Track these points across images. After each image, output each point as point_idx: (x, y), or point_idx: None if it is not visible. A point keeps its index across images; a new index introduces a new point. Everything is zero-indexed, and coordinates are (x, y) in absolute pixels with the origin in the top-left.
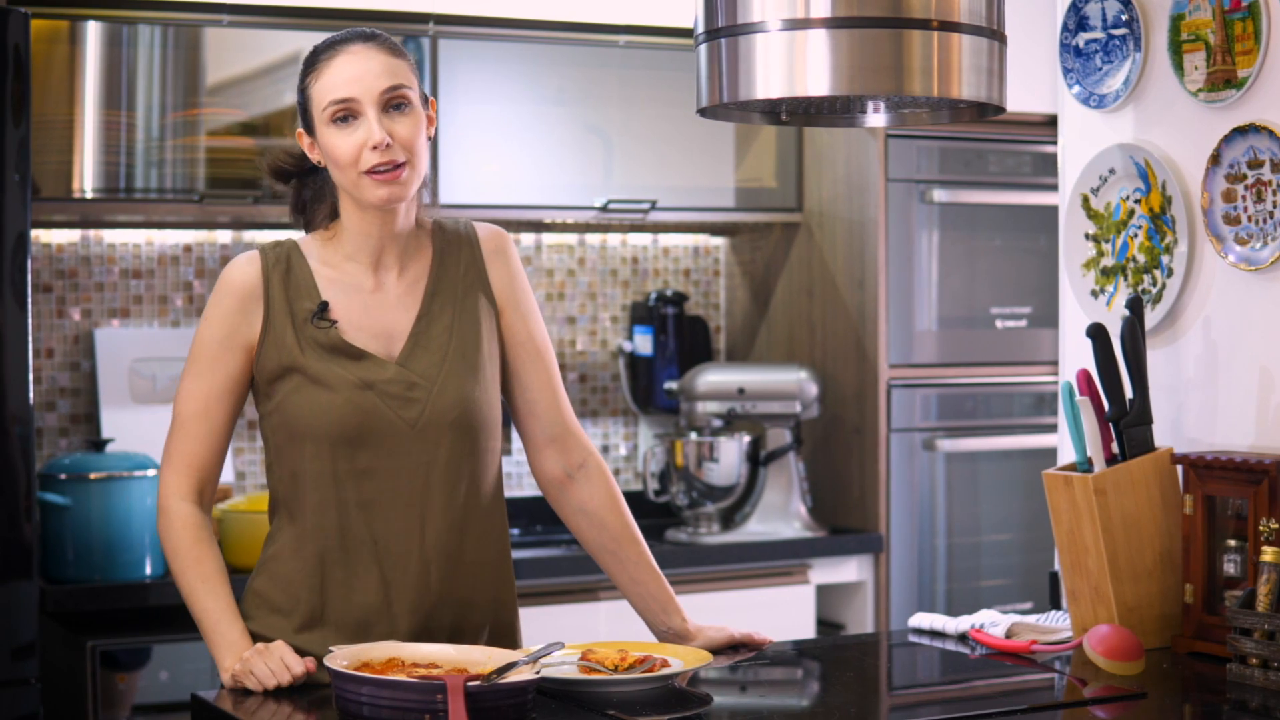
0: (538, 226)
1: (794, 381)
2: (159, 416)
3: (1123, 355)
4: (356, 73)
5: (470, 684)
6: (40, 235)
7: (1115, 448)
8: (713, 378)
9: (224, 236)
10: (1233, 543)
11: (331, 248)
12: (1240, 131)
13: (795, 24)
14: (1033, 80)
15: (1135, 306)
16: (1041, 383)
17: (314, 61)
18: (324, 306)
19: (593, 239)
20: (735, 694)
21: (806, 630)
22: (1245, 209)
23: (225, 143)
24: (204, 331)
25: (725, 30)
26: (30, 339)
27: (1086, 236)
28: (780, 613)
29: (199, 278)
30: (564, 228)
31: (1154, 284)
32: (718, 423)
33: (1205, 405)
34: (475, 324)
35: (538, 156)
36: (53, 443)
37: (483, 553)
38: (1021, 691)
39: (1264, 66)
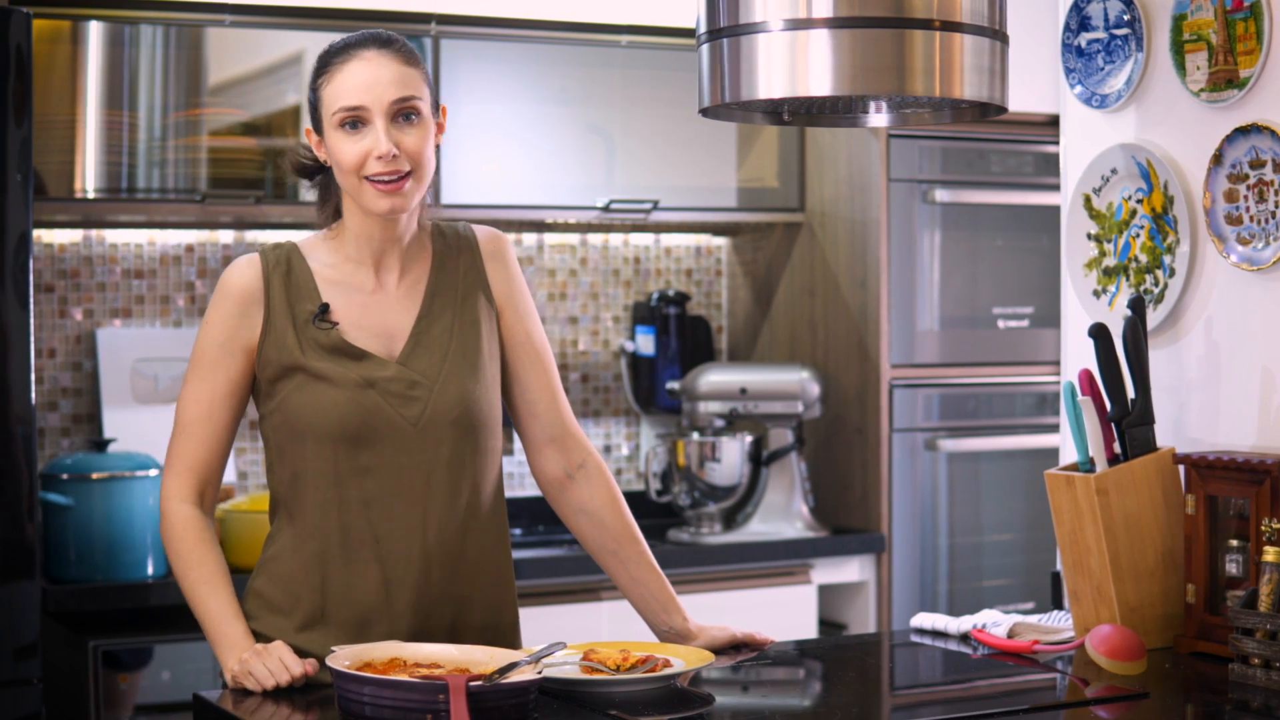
0: (540, 226)
1: (796, 381)
2: (161, 416)
3: (1125, 355)
4: (368, 81)
5: (472, 684)
6: (42, 235)
7: (1117, 448)
8: (715, 378)
9: (226, 236)
10: (1235, 543)
11: (333, 248)
12: (1242, 131)
13: (797, 24)
14: (1035, 80)
15: (1137, 306)
16: (1043, 383)
17: (327, 63)
18: (325, 308)
19: (595, 239)
20: (737, 694)
21: (808, 630)
22: (1247, 209)
23: (227, 143)
24: (205, 335)
25: (727, 30)
26: (32, 339)
27: (1088, 236)
28: (782, 613)
29: (201, 278)
30: (566, 228)
31: (1156, 284)
32: (720, 423)
33: (1207, 405)
34: (475, 324)
35: (540, 156)
36: (55, 443)
37: (484, 552)
38: (1023, 691)
39: (1266, 66)
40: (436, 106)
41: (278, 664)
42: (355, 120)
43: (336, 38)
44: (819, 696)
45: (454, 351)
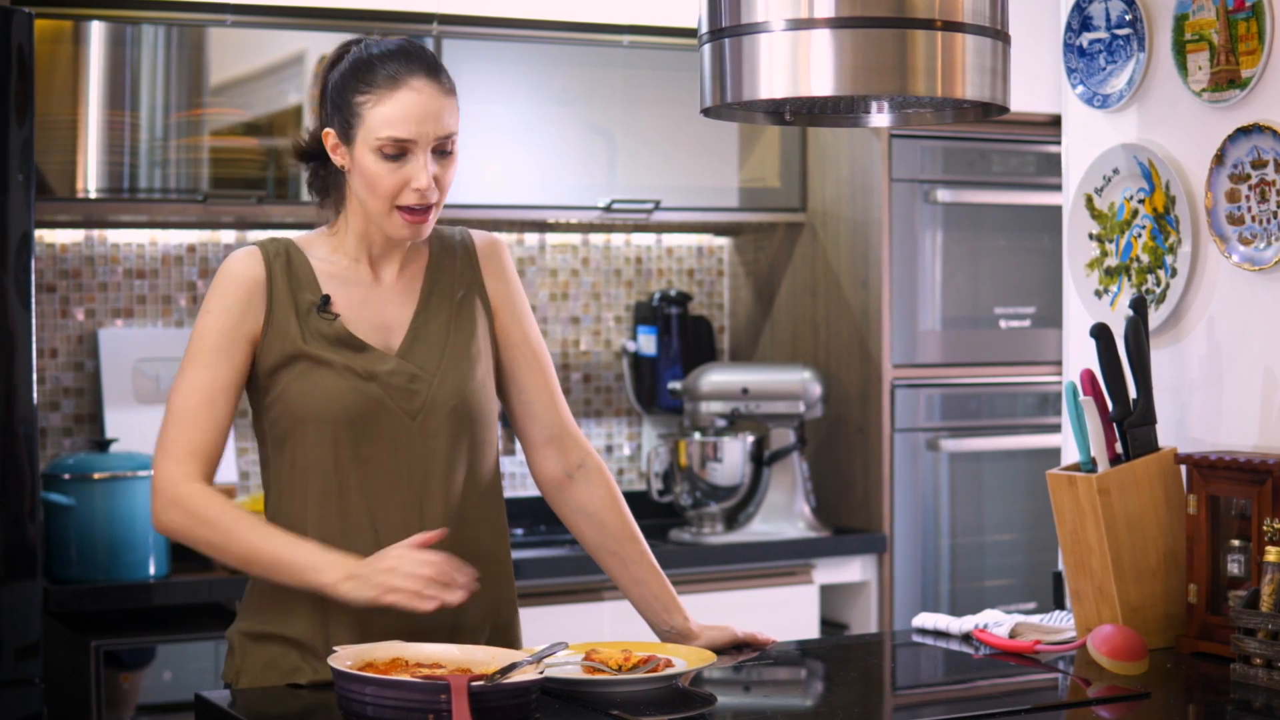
0: (541, 226)
1: (798, 381)
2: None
3: (1126, 355)
4: (420, 114)
5: (474, 684)
6: (44, 235)
7: (1119, 448)
8: (716, 378)
9: (227, 236)
10: (1236, 543)
11: (332, 244)
12: (1244, 131)
13: (799, 24)
14: (1036, 80)
15: (1139, 306)
16: (1045, 383)
17: (371, 80)
18: (326, 299)
19: (596, 239)
20: (739, 694)
21: (810, 630)
22: (1249, 209)
23: (229, 143)
24: (207, 324)
25: (729, 30)
26: (34, 339)
27: (1090, 236)
28: (784, 613)
29: (203, 278)
30: (568, 228)
31: (1158, 284)
32: (721, 423)
33: (1209, 405)
34: (471, 322)
35: (541, 156)
36: (56, 443)
37: (481, 546)
38: (1025, 692)
39: (1268, 66)
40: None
41: (414, 564)
42: (401, 151)
43: (339, 38)
44: (821, 697)
45: (451, 346)
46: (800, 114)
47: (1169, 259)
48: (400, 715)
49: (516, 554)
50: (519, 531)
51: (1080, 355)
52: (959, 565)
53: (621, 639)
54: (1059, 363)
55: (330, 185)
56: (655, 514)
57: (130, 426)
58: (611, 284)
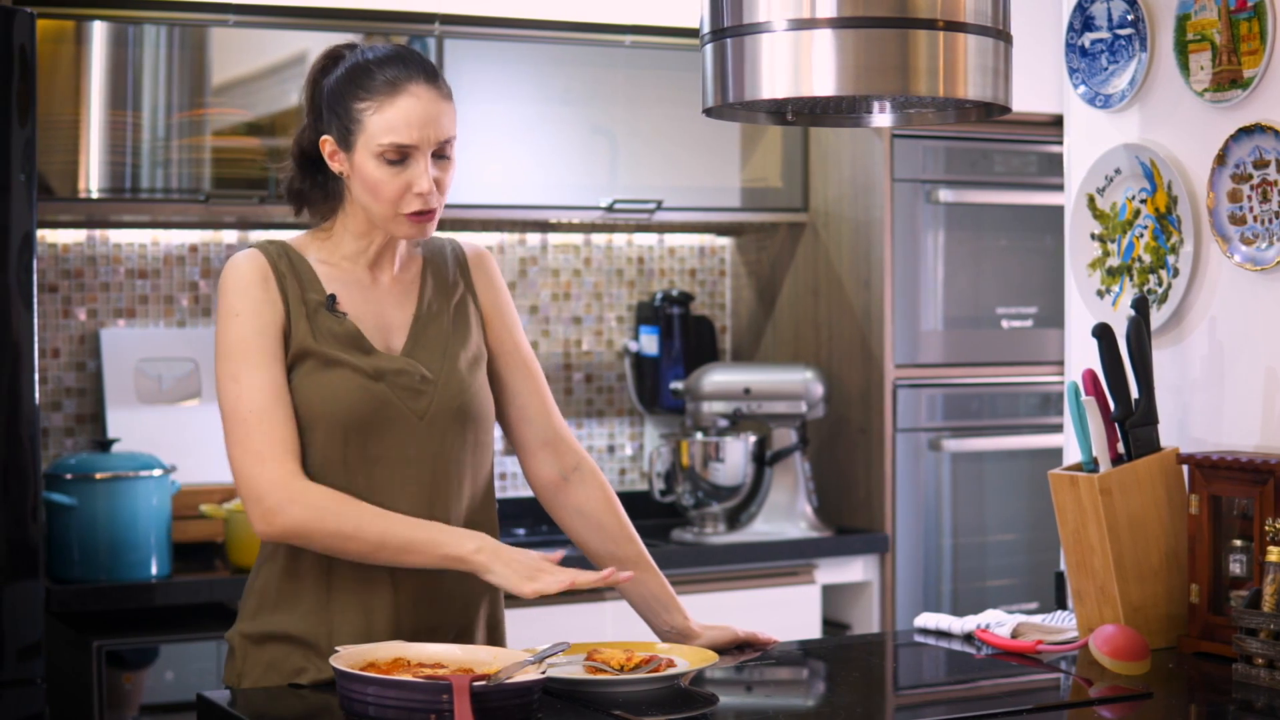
0: (543, 226)
1: (800, 381)
2: (165, 417)
3: (1128, 355)
4: (421, 119)
5: (476, 684)
6: (46, 235)
7: (1121, 448)
8: (718, 378)
9: (229, 237)
10: (1238, 543)
11: (328, 246)
12: (1246, 131)
13: (801, 24)
14: (1038, 80)
15: (1141, 306)
16: (1047, 383)
17: (370, 88)
18: (333, 298)
19: (598, 239)
20: (741, 694)
21: (812, 630)
22: (1251, 209)
23: (231, 143)
24: (242, 326)
25: (731, 30)
26: (36, 339)
27: (1092, 236)
28: (786, 613)
29: (205, 278)
30: (570, 228)
31: (1159, 284)
32: (723, 423)
33: (1211, 405)
34: (467, 326)
35: (543, 156)
36: (58, 443)
37: None
38: (1027, 691)
39: (1270, 66)
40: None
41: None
42: (402, 156)
43: (341, 38)
44: (822, 697)
45: (452, 348)
46: (802, 114)
47: (1171, 259)
48: (402, 715)
49: None
50: (521, 531)
51: (1082, 355)
52: (961, 565)
53: (623, 639)
54: (1061, 363)
55: (323, 192)
56: (657, 514)
57: (132, 426)
58: (613, 284)
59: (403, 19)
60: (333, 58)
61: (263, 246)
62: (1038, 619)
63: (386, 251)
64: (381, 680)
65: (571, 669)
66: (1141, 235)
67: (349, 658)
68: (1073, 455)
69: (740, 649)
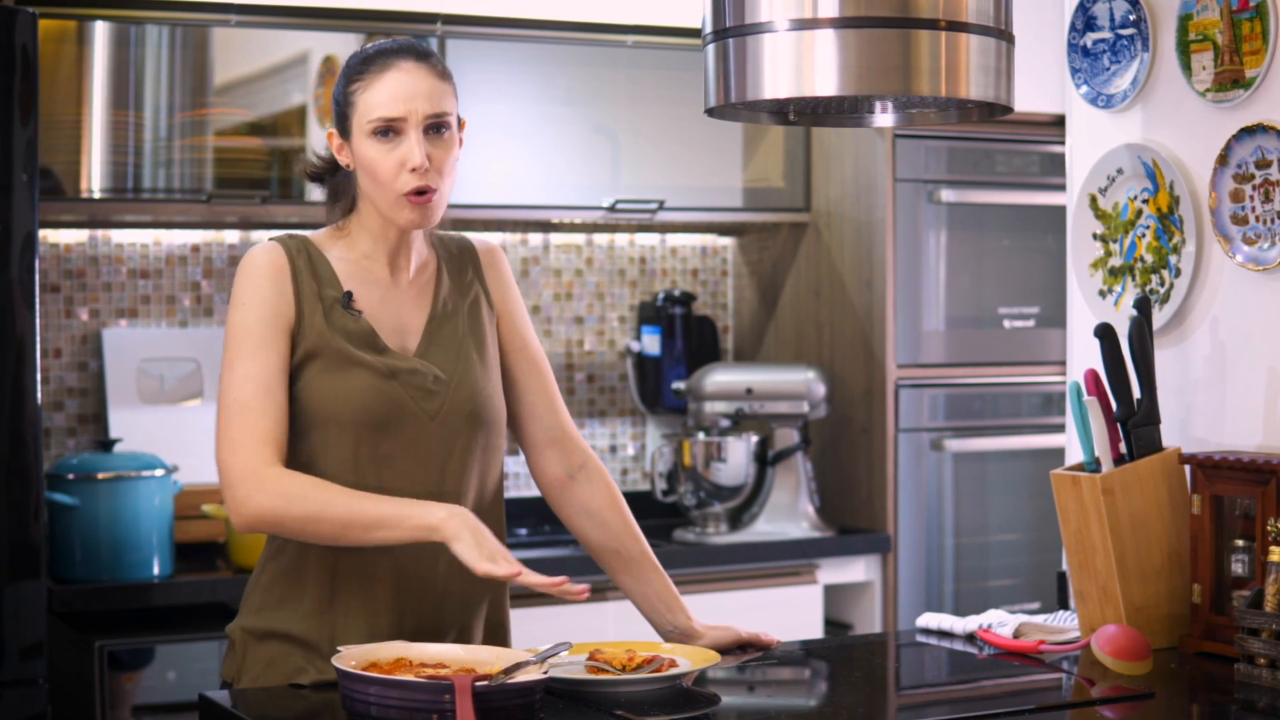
0: (545, 226)
1: (802, 381)
2: (167, 416)
3: (1130, 355)
4: (407, 92)
5: (478, 684)
6: (48, 235)
7: (1123, 448)
8: (720, 378)
9: (232, 236)
10: (1240, 543)
11: (346, 244)
12: (1248, 131)
13: (803, 24)
14: (1040, 80)
15: (1143, 306)
16: (1049, 383)
17: (363, 69)
18: (350, 296)
19: (600, 239)
20: (743, 694)
21: (814, 630)
22: (1253, 209)
23: (233, 143)
24: (247, 314)
25: (733, 30)
26: (38, 339)
27: (1094, 236)
28: (788, 613)
29: (207, 278)
30: (572, 228)
31: (1162, 284)
32: (725, 423)
33: (1213, 405)
34: (481, 326)
35: (546, 156)
36: (60, 443)
37: None
38: (1029, 691)
39: (1272, 66)
40: (458, 120)
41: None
42: (389, 130)
43: (343, 38)
44: (825, 697)
45: (465, 350)
46: (804, 114)
47: (1173, 259)
48: (404, 715)
49: (521, 554)
50: (523, 531)
51: (1084, 355)
52: (963, 565)
53: (625, 639)
54: (1063, 363)
55: (341, 190)
56: (659, 514)
57: (134, 426)
58: (615, 284)
59: (405, 19)
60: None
61: (283, 241)
62: (1040, 619)
63: (402, 250)
64: (383, 680)
65: (573, 669)
66: (1143, 235)
67: (351, 657)
68: (1075, 455)
69: (742, 649)
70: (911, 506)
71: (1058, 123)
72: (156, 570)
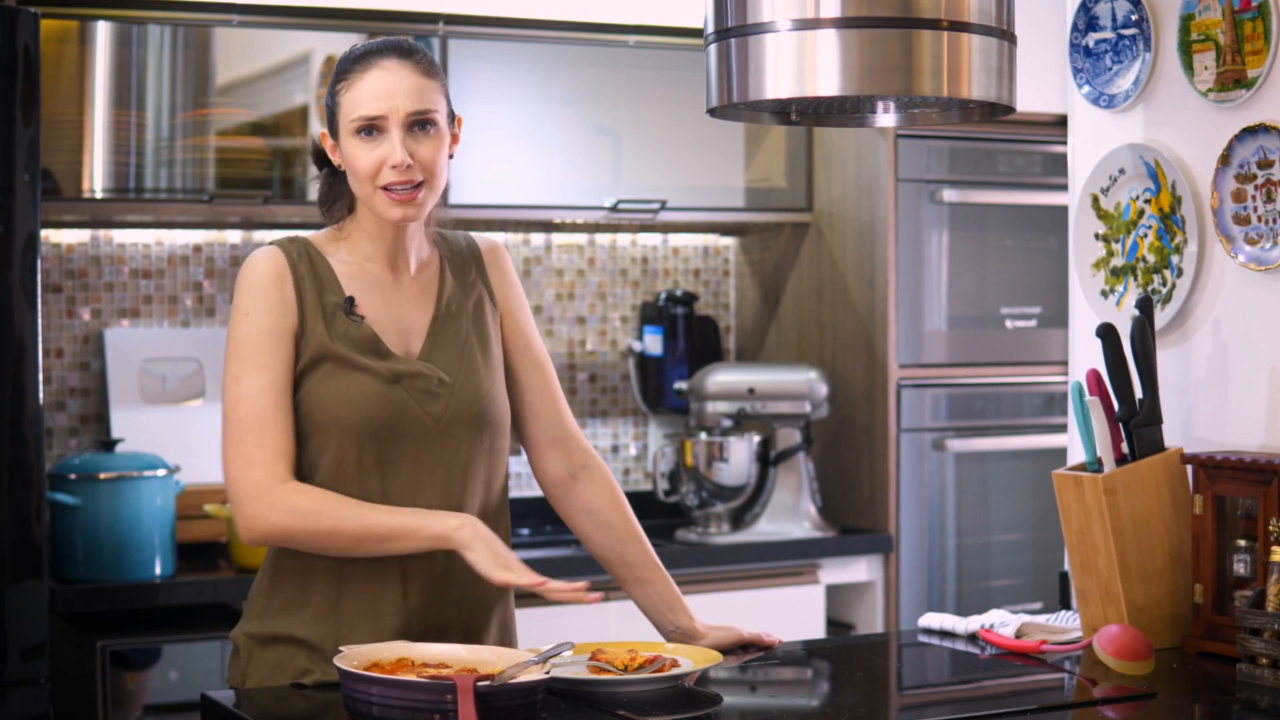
0: (547, 226)
1: (804, 381)
2: (169, 417)
3: (1132, 355)
4: (387, 90)
5: (480, 684)
6: (50, 235)
7: (1125, 448)
8: (722, 378)
9: (234, 237)
10: (1242, 543)
11: (347, 246)
12: (1250, 131)
13: (805, 24)
14: (1042, 80)
15: (1145, 306)
16: (1051, 383)
17: (347, 69)
18: (352, 301)
19: (602, 239)
20: (745, 694)
21: (816, 630)
22: (1255, 209)
23: (235, 143)
24: (250, 325)
25: (735, 30)
26: (40, 339)
27: (1096, 236)
28: (790, 613)
29: (209, 278)
30: (574, 228)
31: (1164, 284)
32: (728, 423)
33: (1215, 405)
34: (484, 327)
35: (547, 156)
36: (62, 443)
37: None
38: (1031, 691)
39: (1274, 66)
40: (452, 117)
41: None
42: (371, 128)
43: (345, 38)
44: (827, 696)
45: (469, 352)
46: (806, 114)
47: (1175, 259)
48: (406, 715)
49: (524, 554)
50: (525, 531)
51: (1086, 355)
52: (965, 565)
53: (627, 639)
54: (1065, 363)
55: (333, 196)
56: (661, 514)
57: (136, 427)
58: (617, 284)
59: (407, 19)
60: None
61: (284, 245)
62: (1042, 619)
63: (400, 250)
64: (386, 680)
65: (576, 669)
66: (1145, 235)
67: (353, 657)
68: (1077, 455)
69: (745, 649)
70: (913, 506)
71: (1060, 123)
72: (158, 570)
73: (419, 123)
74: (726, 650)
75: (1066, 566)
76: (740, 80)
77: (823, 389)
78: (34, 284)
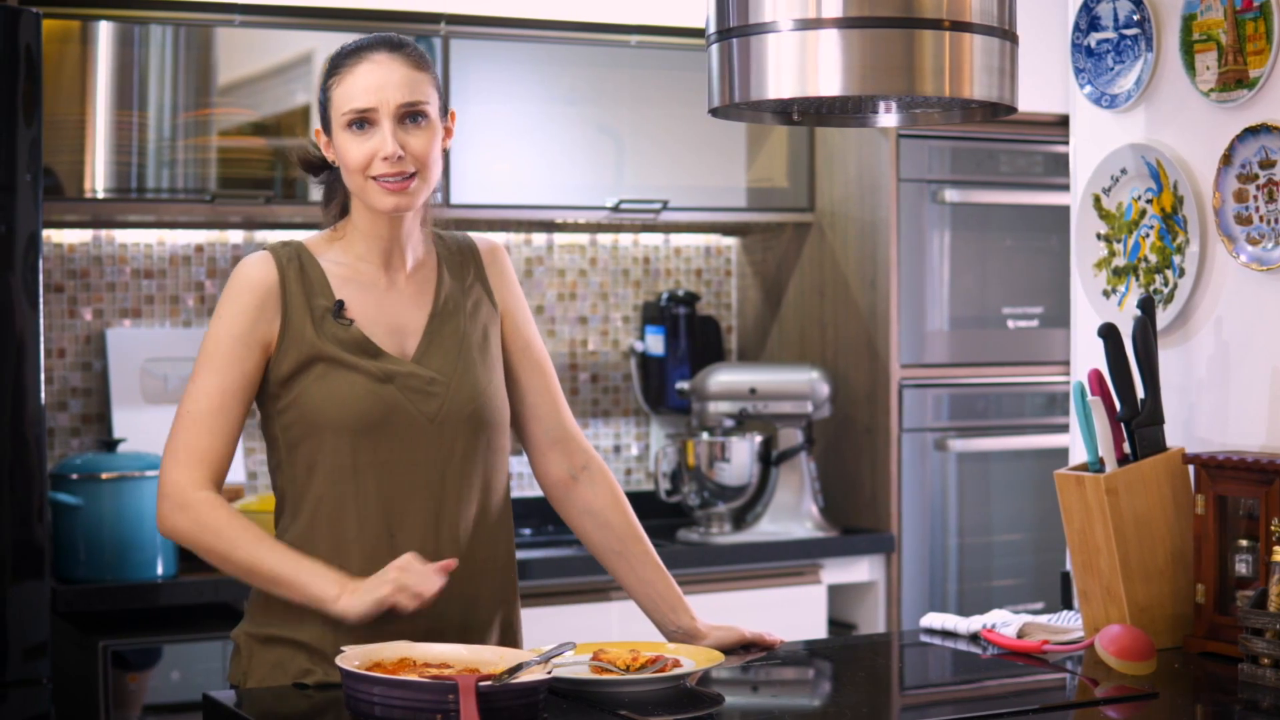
0: (549, 226)
1: (805, 381)
2: (170, 417)
3: (1134, 355)
4: (377, 83)
5: (482, 684)
6: (52, 235)
7: (1127, 448)
8: (724, 378)
9: (235, 236)
10: (1244, 543)
11: (341, 247)
12: (1252, 131)
13: (807, 24)
14: (1044, 80)
15: (1147, 306)
16: (1053, 383)
17: (338, 65)
18: (341, 304)
19: (604, 239)
20: (747, 694)
21: (818, 630)
22: (1257, 209)
23: (237, 143)
24: (219, 329)
25: (737, 30)
26: (42, 339)
27: (1098, 236)
28: (792, 613)
29: (210, 278)
30: (576, 228)
31: (1165, 284)
32: (729, 423)
33: (1217, 405)
34: (483, 327)
35: (549, 156)
36: (64, 443)
37: (493, 549)
38: (1033, 691)
39: (1276, 66)
40: (445, 110)
41: (420, 575)
42: (362, 121)
43: (346, 38)
44: (828, 696)
45: (466, 351)
46: (808, 114)
47: (1177, 259)
48: (408, 715)
49: (525, 554)
50: (527, 531)
51: (1088, 355)
52: (967, 565)
53: (629, 639)
54: (1067, 363)
55: (333, 190)
56: (663, 514)
57: (138, 426)
58: (619, 284)
59: (408, 19)
60: None
61: (276, 250)
62: (1043, 619)
63: (395, 248)
64: (387, 680)
65: (577, 669)
66: (1147, 235)
67: (355, 657)
68: (1078, 455)
69: (746, 649)
70: (915, 506)
71: (1061, 123)
72: (160, 570)
73: (410, 114)
74: (728, 650)
75: (1068, 566)
76: (742, 80)
77: (824, 389)
78: (36, 284)
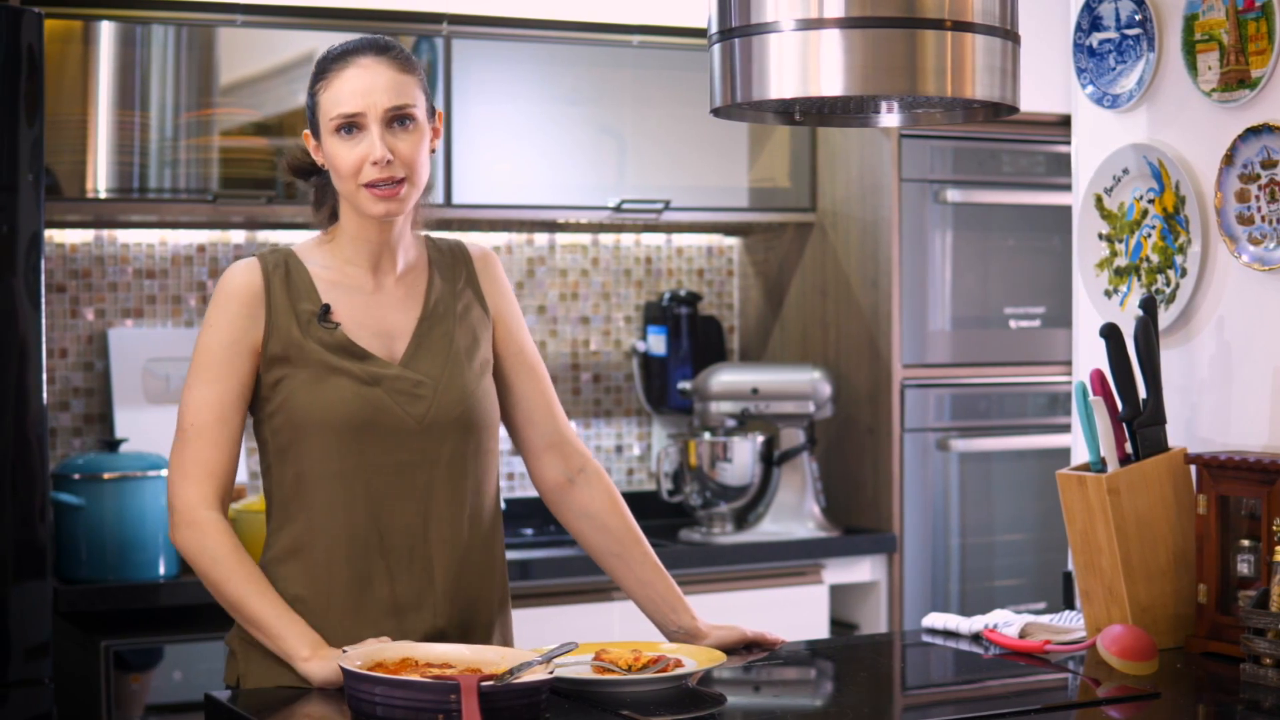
0: (551, 226)
1: (807, 381)
2: (172, 417)
3: (1136, 355)
4: (364, 87)
5: (484, 684)
6: (54, 235)
7: (1129, 448)
8: (726, 378)
9: (237, 237)
10: (1246, 543)
11: (330, 251)
12: (1254, 131)
13: (809, 24)
14: (1046, 80)
15: (1149, 306)
16: (1055, 383)
17: (325, 69)
18: (326, 309)
19: (606, 239)
20: (749, 694)
21: (820, 630)
22: (1259, 209)
23: (239, 143)
24: (210, 338)
25: (739, 30)
26: (44, 339)
27: (1100, 236)
28: (794, 613)
29: (213, 278)
30: (578, 228)
31: (1167, 284)
32: (731, 423)
33: (1218, 405)
34: (473, 331)
35: (551, 156)
36: (66, 443)
37: (485, 552)
38: (1035, 691)
39: (1277, 66)
40: (432, 112)
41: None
42: (351, 126)
43: (348, 38)
44: (830, 697)
45: (455, 354)
46: (810, 114)
47: (1178, 259)
48: (410, 715)
49: (526, 554)
50: (528, 531)
51: (1090, 355)
52: (969, 565)
53: (631, 639)
54: (1069, 363)
55: (323, 195)
56: (665, 514)
57: (140, 426)
58: (621, 284)
59: (410, 19)
60: None
61: (263, 256)
62: (1045, 619)
63: (385, 251)
64: (389, 680)
65: (579, 669)
66: (1149, 235)
67: (356, 657)
68: (1080, 455)
69: (748, 649)
70: (917, 506)
71: (1063, 123)
72: (162, 570)
73: (398, 118)
74: (730, 650)
75: (1070, 566)
76: (744, 80)
77: (826, 389)
78: (38, 284)
